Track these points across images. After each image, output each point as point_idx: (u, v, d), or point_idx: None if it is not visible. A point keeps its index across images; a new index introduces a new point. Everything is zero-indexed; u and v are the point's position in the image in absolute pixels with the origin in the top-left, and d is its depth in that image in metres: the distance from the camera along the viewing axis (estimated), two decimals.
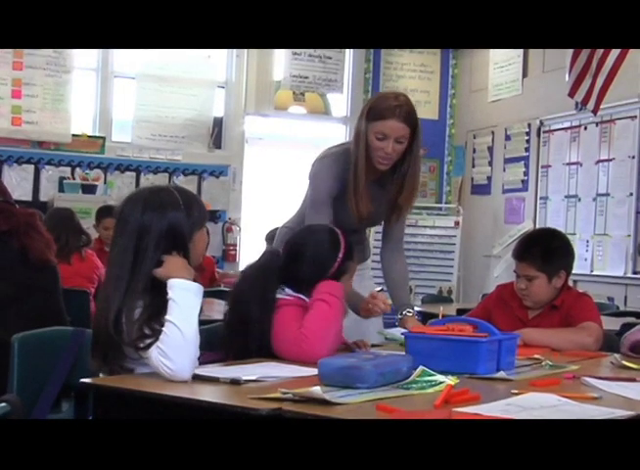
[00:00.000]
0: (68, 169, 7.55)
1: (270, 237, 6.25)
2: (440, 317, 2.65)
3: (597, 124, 6.90)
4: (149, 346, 2.15)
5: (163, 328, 2.16)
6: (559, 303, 3.18)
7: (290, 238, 2.88)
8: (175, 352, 2.12)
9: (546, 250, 3.18)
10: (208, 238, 4.64)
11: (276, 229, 6.69)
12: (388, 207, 3.18)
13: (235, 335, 2.55)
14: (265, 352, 2.54)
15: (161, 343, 2.14)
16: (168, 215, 2.28)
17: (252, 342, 2.54)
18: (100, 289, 2.41)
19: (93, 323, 2.32)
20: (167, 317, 2.17)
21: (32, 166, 7.43)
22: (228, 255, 8.01)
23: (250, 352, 2.51)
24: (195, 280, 2.26)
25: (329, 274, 2.67)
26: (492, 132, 8.31)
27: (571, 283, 3.34)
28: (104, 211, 6.28)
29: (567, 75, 6.05)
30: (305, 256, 2.69)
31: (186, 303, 2.20)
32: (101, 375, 2.26)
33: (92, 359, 2.28)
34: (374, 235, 7.72)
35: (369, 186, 3.10)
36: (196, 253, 2.38)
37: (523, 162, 7.88)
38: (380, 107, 3.03)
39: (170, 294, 2.20)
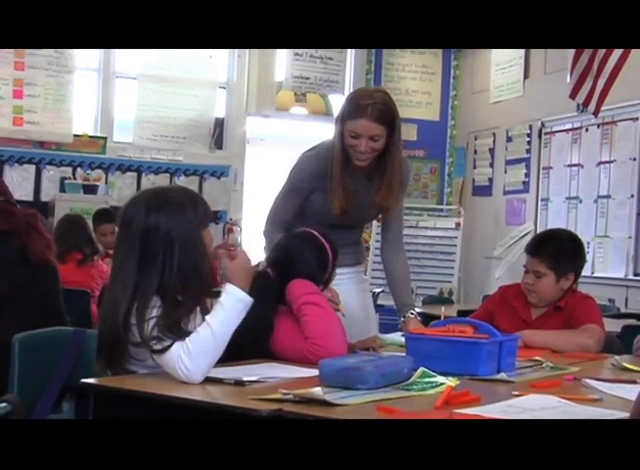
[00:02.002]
0: (70, 170, 7.55)
1: None
2: (442, 319, 2.65)
3: (598, 126, 6.90)
4: (166, 348, 2.13)
5: (198, 328, 2.15)
6: (563, 304, 3.18)
7: (274, 253, 2.83)
8: (200, 352, 2.11)
9: (559, 249, 3.18)
10: None
11: None
12: (375, 204, 3.17)
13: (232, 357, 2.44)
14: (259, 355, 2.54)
15: (190, 340, 2.12)
16: (175, 216, 2.26)
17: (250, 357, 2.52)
18: (105, 292, 2.38)
19: (98, 326, 2.31)
20: (208, 318, 2.17)
21: (34, 167, 7.43)
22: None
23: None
24: None
25: (322, 281, 2.68)
26: (494, 134, 8.31)
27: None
28: (100, 217, 6.24)
29: (568, 77, 6.05)
30: (295, 273, 2.66)
31: (232, 313, 2.20)
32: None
33: (97, 362, 2.27)
34: (375, 237, 7.73)
35: (356, 181, 3.09)
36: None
37: (524, 163, 7.88)
38: (353, 105, 3.01)
39: (223, 297, 2.20)
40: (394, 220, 3.26)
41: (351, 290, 3.21)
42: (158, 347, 2.13)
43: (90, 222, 6.02)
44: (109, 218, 6.15)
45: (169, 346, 2.12)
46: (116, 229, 2.41)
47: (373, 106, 2.96)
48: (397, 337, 3.04)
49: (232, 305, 2.20)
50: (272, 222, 3.20)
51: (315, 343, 2.48)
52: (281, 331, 2.55)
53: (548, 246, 3.19)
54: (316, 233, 2.79)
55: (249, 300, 2.23)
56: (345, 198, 3.06)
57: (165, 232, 2.23)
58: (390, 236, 3.28)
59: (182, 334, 2.15)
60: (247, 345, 2.49)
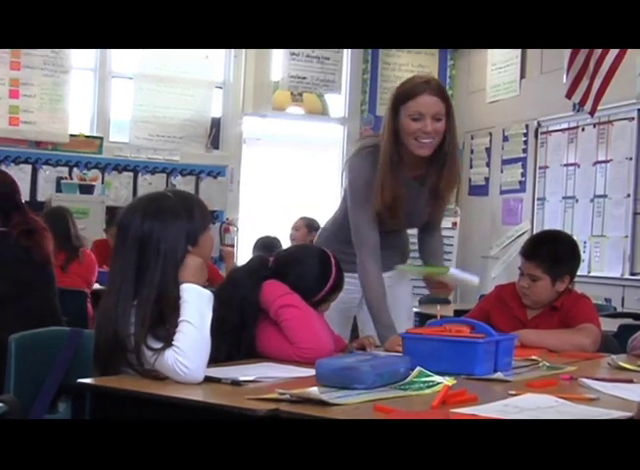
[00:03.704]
0: (66, 170, 7.55)
1: (260, 245, 6.22)
2: (438, 318, 2.65)
3: (595, 126, 6.90)
4: (161, 349, 2.13)
5: (178, 328, 2.15)
6: (559, 304, 3.17)
7: (280, 254, 2.82)
8: (192, 349, 2.11)
9: (555, 253, 3.16)
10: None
11: (265, 237, 6.64)
12: (430, 197, 3.00)
13: (217, 337, 2.41)
14: (248, 354, 2.53)
15: (178, 341, 2.12)
16: (166, 225, 2.24)
17: (235, 345, 2.51)
18: (101, 299, 2.37)
19: (94, 333, 2.31)
20: (183, 318, 2.16)
21: (30, 166, 7.42)
22: None
23: (231, 356, 2.48)
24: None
25: (309, 302, 2.63)
26: (490, 133, 8.31)
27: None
28: (112, 219, 6.37)
29: (564, 77, 6.06)
30: (290, 278, 2.63)
31: (202, 306, 2.20)
32: None
33: (94, 369, 2.27)
34: None
35: (407, 185, 2.94)
36: (202, 256, 2.33)
37: (520, 163, 7.88)
38: (408, 86, 2.90)
39: (184, 296, 2.19)
40: (439, 211, 3.16)
41: (397, 291, 3.17)
42: (151, 353, 2.13)
43: (85, 221, 6.05)
44: None
45: (162, 348, 2.12)
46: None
47: (429, 83, 2.88)
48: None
49: (197, 299, 2.20)
50: (362, 248, 2.98)
51: (302, 347, 2.48)
52: (265, 339, 2.55)
53: (543, 249, 3.17)
54: (332, 257, 2.76)
55: (208, 293, 2.24)
56: (393, 196, 2.89)
57: (156, 241, 2.23)
58: (431, 227, 3.20)
59: (169, 339, 2.15)
60: (230, 327, 2.48)
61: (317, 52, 8.40)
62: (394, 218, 2.96)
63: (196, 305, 2.19)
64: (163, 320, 2.17)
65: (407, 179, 2.96)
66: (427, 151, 2.88)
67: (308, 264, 2.70)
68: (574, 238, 3.57)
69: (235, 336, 2.51)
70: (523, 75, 7.91)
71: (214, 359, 2.26)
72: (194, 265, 2.26)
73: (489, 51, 8.21)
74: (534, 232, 7.13)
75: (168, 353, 2.12)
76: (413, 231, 3.25)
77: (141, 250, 2.22)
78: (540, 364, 2.59)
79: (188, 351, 2.11)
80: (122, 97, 7.90)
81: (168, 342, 2.13)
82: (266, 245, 5.97)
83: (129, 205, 2.37)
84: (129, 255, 2.23)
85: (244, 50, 8.03)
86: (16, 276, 3.27)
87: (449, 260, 8.02)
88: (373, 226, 2.96)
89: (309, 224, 6.62)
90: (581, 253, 3.36)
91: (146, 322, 2.15)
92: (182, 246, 2.26)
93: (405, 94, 2.88)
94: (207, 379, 2.13)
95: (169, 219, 2.26)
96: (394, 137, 2.89)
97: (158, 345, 2.13)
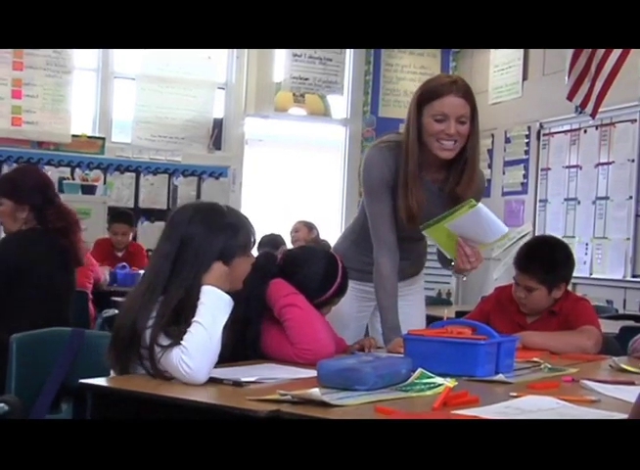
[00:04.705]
0: (68, 170, 7.55)
1: (265, 243, 6.27)
2: (445, 319, 2.65)
3: (597, 128, 6.90)
4: (168, 346, 2.14)
5: (189, 328, 2.17)
6: (557, 308, 3.17)
7: (288, 253, 2.82)
8: (198, 350, 2.12)
9: (549, 263, 3.14)
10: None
11: (269, 235, 6.73)
12: (449, 203, 2.86)
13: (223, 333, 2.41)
14: (255, 352, 2.53)
15: (186, 341, 2.14)
16: (211, 233, 2.29)
17: (240, 341, 2.51)
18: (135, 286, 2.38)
19: (117, 318, 2.32)
20: (196, 318, 2.18)
21: None
22: None
23: (236, 352, 2.48)
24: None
25: (313, 302, 2.63)
26: (492, 135, 8.30)
27: (570, 287, 3.33)
28: (115, 217, 6.51)
29: (566, 78, 6.05)
30: (295, 278, 2.64)
31: (217, 310, 2.21)
32: (112, 373, 2.26)
33: (107, 356, 2.27)
34: None
35: (427, 191, 2.87)
36: (234, 278, 2.33)
37: (522, 164, 7.88)
38: (433, 85, 2.79)
39: (202, 298, 2.21)
40: None
41: (410, 301, 3.17)
42: (158, 349, 2.14)
43: (86, 221, 6.04)
44: (123, 219, 6.42)
45: (169, 346, 2.13)
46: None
47: (456, 83, 2.77)
48: None
49: (214, 303, 2.22)
50: (377, 244, 2.93)
51: (302, 347, 2.48)
52: (268, 338, 2.55)
53: (537, 261, 3.16)
54: (339, 261, 2.76)
55: (227, 298, 2.25)
56: (416, 200, 2.82)
57: (196, 246, 2.26)
58: None
59: (179, 337, 2.15)
60: (235, 322, 2.47)
61: (319, 53, 8.40)
62: (413, 224, 2.87)
63: (211, 307, 2.21)
64: (179, 319, 2.19)
65: (428, 183, 2.90)
66: (449, 154, 2.80)
67: (315, 266, 2.71)
68: (576, 240, 3.55)
69: (240, 332, 2.51)
70: (525, 77, 7.91)
71: (219, 356, 2.27)
72: (219, 270, 2.28)
73: (491, 52, 8.20)
74: (536, 234, 7.12)
75: (175, 352, 2.13)
76: (431, 241, 3.10)
77: (180, 248, 2.26)
78: (542, 366, 2.59)
79: (193, 351, 2.12)
80: (125, 97, 7.90)
81: (177, 340, 2.14)
82: (271, 242, 6.11)
83: (185, 203, 2.44)
84: (169, 250, 2.28)
85: (246, 51, 8.03)
86: (47, 281, 3.27)
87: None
88: (390, 222, 2.91)
89: (307, 224, 6.93)
90: (576, 252, 3.33)
91: (164, 319, 2.18)
92: (214, 257, 2.28)
93: (430, 93, 2.77)
94: (209, 379, 2.13)
95: (214, 230, 2.30)
96: (418, 136, 2.81)
97: (166, 342, 2.14)
